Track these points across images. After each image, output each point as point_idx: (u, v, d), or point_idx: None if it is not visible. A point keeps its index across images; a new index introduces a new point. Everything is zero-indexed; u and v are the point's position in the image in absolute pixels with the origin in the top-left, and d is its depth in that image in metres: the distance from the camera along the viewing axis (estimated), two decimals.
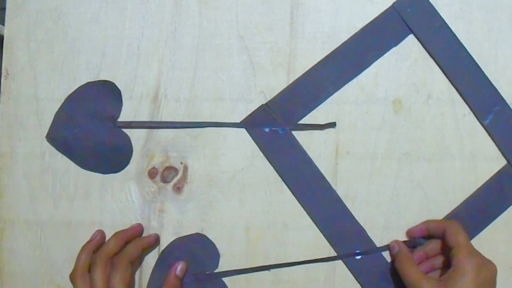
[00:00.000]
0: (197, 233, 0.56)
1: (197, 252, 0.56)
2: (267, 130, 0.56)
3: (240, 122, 0.56)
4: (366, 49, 0.56)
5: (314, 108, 0.56)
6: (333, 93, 0.56)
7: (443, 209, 0.55)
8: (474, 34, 0.56)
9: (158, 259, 0.56)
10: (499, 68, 0.55)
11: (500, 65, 0.56)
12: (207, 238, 0.56)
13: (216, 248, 0.56)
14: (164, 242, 0.57)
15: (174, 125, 0.57)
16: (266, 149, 0.56)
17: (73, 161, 0.57)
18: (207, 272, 0.56)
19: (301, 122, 0.56)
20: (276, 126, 0.56)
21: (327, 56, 0.56)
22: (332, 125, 0.56)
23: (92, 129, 0.57)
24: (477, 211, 0.55)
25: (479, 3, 0.56)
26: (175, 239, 0.56)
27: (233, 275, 0.56)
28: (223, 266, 0.56)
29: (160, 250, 0.56)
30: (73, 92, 0.57)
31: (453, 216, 0.55)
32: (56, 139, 0.57)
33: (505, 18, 0.56)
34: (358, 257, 0.55)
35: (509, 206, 0.55)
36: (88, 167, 0.57)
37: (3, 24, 0.58)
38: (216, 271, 0.56)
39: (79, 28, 0.58)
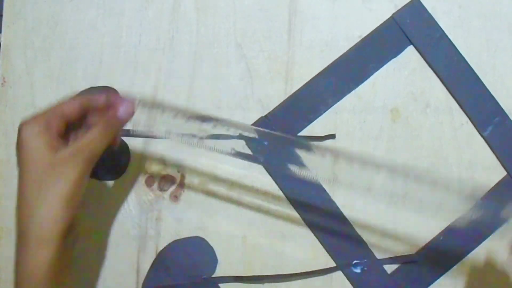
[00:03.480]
0: (197, 236, 0.56)
1: (195, 255, 0.56)
2: (266, 142, 0.56)
3: (239, 134, 0.56)
4: (365, 61, 0.56)
5: (314, 120, 0.56)
6: (332, 105, 0.56)
7: (440, 219, 0.55)
8: (472, 43, 0.56)
9: (155, 260, 0.56)
10: (498, 77, 0.55)
11: (499, 74, 0.55)
12: (206, 241, 0.56)
13: (214, 253, 0.56)
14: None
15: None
16: (265, 160, 0.56)
17: None
18: (204, 277, 0.56)
19: (300, 133, 0.56)
20: (275, 138, 0.55)
21: (326, 68, 0.56)
22: (332, 136, 0.56)
23: None
24: (477, 222, 0.55)
25: (478, 12, 0.56)
26: (174, 241, 0.56)
27: (230, 281, 0.56)
28: (219, 274, 0.56)
29: (157, 251, 0.56)
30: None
31: (453, 227, 0.55)
32: None
33: (504, 27, 0.56)
34: (358, 270, 0.55)
35: (509, 218, 0.55)
36: None
37: (0, 31, 0.58)
38: (212, 276, 0.56)
39: (76, 36, 0.58)
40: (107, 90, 0.53)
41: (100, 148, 0.45)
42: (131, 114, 0.46)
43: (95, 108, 0.46)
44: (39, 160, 0.43)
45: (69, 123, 0.45)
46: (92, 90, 0.57)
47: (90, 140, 0.44)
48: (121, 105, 0.46)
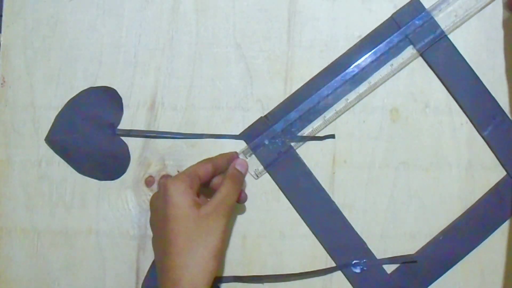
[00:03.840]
0: None
1: None
2: (266, 142, 0.56)
3: (240, 134, 0.56)
4: (364, 61, 0.56)
5: (313, 120, 0.56)
6: (332, 106, 0.56)
7: (440, 218, 0.55)
8: (472, 43, 0.56)
9: (154, 260, 0.56)
10: (497, 77, 0.55)
11: (498, 74, 0.56)
12: None
13: None
14: None
15: (174, 135, 0.57)
16: (265, 160, 0.56)
17: (70, 165, 0.57)
18: None
19: (300, 133, 0.56)
20: (275, 138, 0.56)
21: (325, 68, 0.56)
22: (332, 136, 0.56)
23: (91, 135, 0.57)
24: (477, 222, 0.55)
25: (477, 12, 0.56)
26: None
27: (230, 281, 0.56)
28: (219, 274, 0.56)
29: None
30: (75, 96, 0.57)
31: (453, 227, 0.55)
32: (55, 142, 0.57)
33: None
34: (358, 270, 0.55)
35: (509, 217, 0.55)
36: (85, 173, 0.57)
37: (0, 32, 0.58)
38: None
39: (76, 36, 0.58)
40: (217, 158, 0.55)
41: (234, 200, 0.51)
42: (246, 166, 0.55)
43: (220, 170, 0.53)
44: (187, 215, 0.48)
45: (201, 183, 0.51)
46: (91, 90, 0.57)
47: (225, 195, 0.50)
48: (236, 162, 0.54)
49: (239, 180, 0.53)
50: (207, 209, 0.49)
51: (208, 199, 0.51)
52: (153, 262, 0.56)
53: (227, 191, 0.51)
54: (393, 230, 0.56)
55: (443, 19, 0.55)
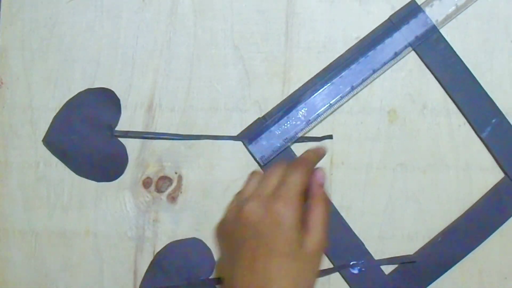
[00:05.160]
0: (194, 238, 0.56)
1: (192, 256, 0.56)
2: (264, 143, 0.56)
3: (237, 135, 0.56)
4: (362, 63, 0.56)
5: (311, 121, 0.56)
6: (330, 106, 0.56)
7: (437, 220, 0.55)
8: (470, 44, 0.56)
9: (152, 261, 0.56)
10: (495, 79, 0.55)
11: (496, 75, 0.55)
12: (203, 243, 0.56)
13: (212, 254, 0.56)
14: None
15: (172, 137, 0.57)
16: (263, 162, 0.56)
17: (68, 167, 0.57)
18: (201, 278, 0.56)
19: (297, 134, 0.56)
20: (273, 139, 0.56)
21: (323, 69, 0.56)
22: (329, 137, 0.56)
23: (89, 136, 0.57)
24: (476, 224, 0.55)
25: (475, 13, 0.56)
26: (171, 242, 0.57)
27: None
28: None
29: (155, 253, 0.57)
30: (73, 98, 0.57)
31: (451, 228, 0.55)
32: (53, 143, 0.57)
33: (501, 28, 0.56)
34: (356, 271, 0.55)
35: (507, 219, 0.55)
36: (83, 174, 0.57)
37: None
38: (210, 277, 0.56)
39: (74, 37, 0.58)
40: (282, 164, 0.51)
41: (327, 225, 0.47)
42: (326, 176, 0.50)
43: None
44: (295, 256, 0.45)
45: None
46: (89, 91, 0.57)
47: (322, 226, 0.47)
48: (317, 178, 0.49)
49: (328, 200, 0.50)
50: (311, 245, 0.46)
51: None
52: (152, 263, 0.56)
53: (322, 222, 0.47)
54: (391, 231, 0.56)
55: (435, 14, 0.55)
